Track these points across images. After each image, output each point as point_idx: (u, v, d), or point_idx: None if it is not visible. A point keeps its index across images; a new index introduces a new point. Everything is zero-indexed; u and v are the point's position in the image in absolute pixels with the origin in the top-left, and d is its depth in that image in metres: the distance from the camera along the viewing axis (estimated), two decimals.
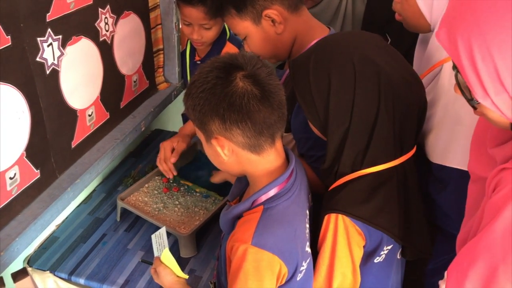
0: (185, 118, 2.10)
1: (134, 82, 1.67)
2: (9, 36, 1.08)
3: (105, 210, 1.58)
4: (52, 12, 1.20)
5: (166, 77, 1.88)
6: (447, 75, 1.11)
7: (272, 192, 0.98)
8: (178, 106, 2.06)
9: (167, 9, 1.75)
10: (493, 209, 0.73)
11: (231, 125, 0.92)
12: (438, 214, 1.12)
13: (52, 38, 1.22)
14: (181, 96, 1.99)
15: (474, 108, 0.76)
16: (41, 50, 1.19)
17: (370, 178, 1.02)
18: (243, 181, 1.12)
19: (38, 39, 1.18)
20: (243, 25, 1.31)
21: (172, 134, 1.97)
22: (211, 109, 0.92)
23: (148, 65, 1.75)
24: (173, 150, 1.55)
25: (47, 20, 1.20)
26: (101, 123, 1.50)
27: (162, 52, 1.83)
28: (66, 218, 1.54)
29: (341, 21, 1.81)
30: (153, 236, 1.20)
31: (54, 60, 1.24)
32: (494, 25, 0.65)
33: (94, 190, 1.67)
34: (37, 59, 1.18)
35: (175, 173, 1.54)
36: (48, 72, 1.23)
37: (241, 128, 0.92)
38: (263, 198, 0.98)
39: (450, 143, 1.06)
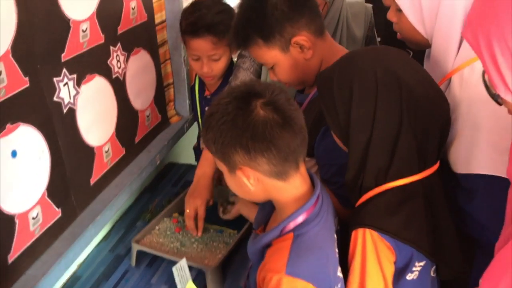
0: (196, 152, 2.11)
1: (147, 116, 1.69)
2: (27, 78, 1.10)
3: (126, 246, 1.56)
4: (66, 52, 1.23)
5: (177, 110, 1.90)
6: (457, 86, 1.12)
7: (301, 218, 0.97)
8: (189, 139, 2.07)
9: (175, 44, 1.79)
10: None
11: (255, 155, 0.91)
12: (473, 225, 1.10)
13: (67, 77, 1.24)
14: (192, 129, 2.01)
15: (499, 104, 0.77)
16: (57, 89, 1.21)
17: (395, 192, 1.01)
18: (267, 208, 1.11)
19: (55, 79, 1.20)
20: (271, 54, 1.29)
21: (186, 167, 1.98)
22: (234, 141, 0.91)
23: (160, 100, 1.77)
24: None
25: (62, 60, 1.22)
26: (117, 159, 1.51)
27: (172, 86, 1.85)
28: (87, 256, 1.53)
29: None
30: (174, 269, 1.18)
31: (70, 99, 1.26)
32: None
33: (112, 227, 1.66)
34: (54, 98, 1.20)
35: (199, 234, 1.51)
36: (65, 111, 1.25)
37: (266, 156, 0.91)
38: (292, 225, 0.96)
39: (472, 150, 1.06)
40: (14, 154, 1.08)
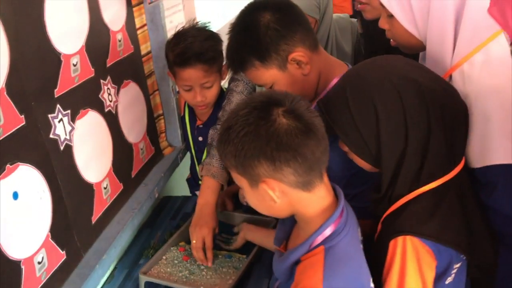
0: (190, 183, 2.06)
1: (141, 149, 1.64)
2: (23, 115, 1.06)
3: (132, 285, 1.49)
4: (59, 87, 1.19)
5: (169, 142, 1.87)
6: (459, 82, 1.11)
7: (329, 231, 0.93)
8: (180, 171, 2.02)
9: (162, 74, 1.76)
10: None
11: (281, 165, 0.88)
12: (497, 219, 1.08)
13: (61, 113, 1.20)
14: (185, 160, 1.97)
15: None
16: (53, 126, 1.17)
17: (429, 195, 0.99)
18: (287, 223, 1.08)
19: (49, 115, 1.16)
20: (269, 74, 1.28)
21: (182, 199, 1.93)
22: (257, 152, 0.88)
23: (152, 131, 1.74)
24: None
25: (55, 96, 1.18)
26: (116, 195, 1.46)
27: (162, 117, 1.82)
28: None
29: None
30: None
31: (66, 135, 1.22)
32: None
33: (115, 268, 1.59)
34: (51, 136, 1.16)
35: (210, 265, 1.46)
36: (62, 148, 1.20)
37: (291, 166, 0.88)
38: (321, 238, 0.93)
39: (485, 142, 1.05)
40: (15, 196, 1.03)
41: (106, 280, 1.54)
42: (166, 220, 1.80)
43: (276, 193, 0.91)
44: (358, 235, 1.01)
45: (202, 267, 1.46)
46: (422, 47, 1.20)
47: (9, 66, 1.02)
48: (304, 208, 0.95)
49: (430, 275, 0.97)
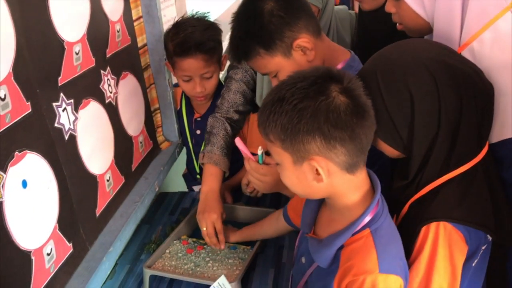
0: (187, 178, 2.04)
1: (141, 143, 1.62)
2: (29, 102, 1.03)
3: (135, 280, 1.46)
4: (62, 75, 1.16)
5: (165, 136, 1.84)
6: (470, 60, 1.12)
7: (371, 213, 0.93)
8: (174, 168, 1.99)
9: (158, 67, 1.74)
10: None
11: (335, 143, 0.85)
12: None
13: (65, 102, 1.17)
14: (182, 155, 1.94)
15: None
16: (57, 115, 1.14)
17: (459, 179, 0.98)
18: (313, 208, 1.05)
19: (54, 104, 1.13)
20: (274, 62, 1.27)
21: (179, 194, 1.91)
22: (314, 127, 0.85)
23: (150, 125, 1.71)
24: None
25: (59, 85, 1.15)
26: (118, 188, 1.43)
27: (158, 111, 1.79)
28: None
29: None
30: None
31: (70, 125, 1.19)
32: None
33: (116, 264, 1.55)
34: (55, 124, 1.13)
35: (223, 247, 1.46)
36: (66, 137, 1.17)
37: (345, 146, 0.86)
38: (366, 220, 0.92)
39: (502, 117, 1.05)
40: (24, 184, 0.99)
41: (108, 276, 1.51)
42: (165, 216, 1.78)
43: (324, 172, 0.89)
44: None
45: (207, 259, 1.44)
46: (429, 29, 1.21)
47: (15, 51, 0.99)
48: (345, 190, 0.93)
49: (460, 260, 0.96)
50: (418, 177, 1.00)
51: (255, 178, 1.33)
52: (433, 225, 0.95)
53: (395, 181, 1.05)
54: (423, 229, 0.96)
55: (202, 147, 1.73)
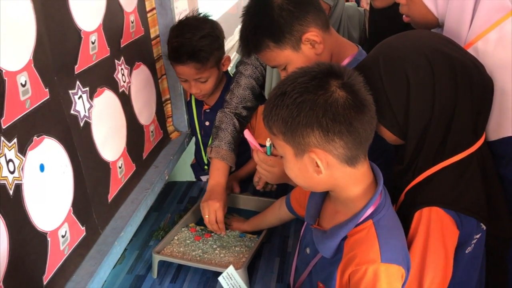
0: (195, 168, 2.07)
1: (152, 132, 1.65)
2: (47, 89, 1.06)
3: (144, 266, 1.50)
4: (79, 64, 1.20)
5: (175, 126, 1.87)
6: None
7: (373, 204, 0.95)
8: (184, 158, 2.03)
9: None
10: None
11: (333, 136, 0.88)
12: None
13: (81, 90, 1.21)
14: (191, 146, 1.98)
15: None
16: (73, 102, 1.17)
17: (453, 168, 1.01)
18: (317, 201, 1.08)
19: (70, 91, 1.16)
20: (284, 55, 1.29)
21: (187, 184, 1.94)
22: (312, 120, 0.88)
23: (161, 115, 1.75)
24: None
25: (75, 73, 1.19)
26: (129, 175, 1.46)
27: (169, 101, 1.83)
28: (105, 282, 1.45)
29: None
30: (221, 278, 1.14)
31: (85, 112, 1.22)
32: None
33: (125, 250, 1.59)
34: (72, 111, 1.16)
35: (224, 233, 1.52)
36: (82, 124, 1.20)
37: (344, 139, 0.89)
38: (369, 211, 0.95)
39: (502, 115, 1.07)
40: (42, 168, 1.03)
41: (118, 260, 1.54)
42: (173, 204, 1.81)
43: (323, 164, 0.91)
44: None
45: (214, 246, 1.48)
46: (436, 24, 1.23)
47: (36, 39, 1.02)
48: (345, 182, 0.96)
49: (452, 245, 0.99)
50: (414, 164, 1.03)
51: (263, 169, 1.37)
52: (425, 210, 0.99)
53: (394, 166, 1.08)
54: (416, 214, 1.00)
55: (210, 140, 1.76)
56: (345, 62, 1.35)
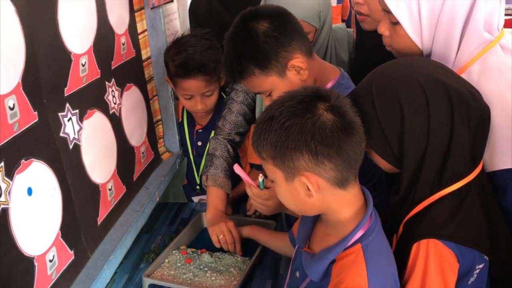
0: (186, 189, 2.06)
1: (142, 153, 1.65)
2: (36, 112, 1.06)
3: None
4: (69, 86, 1.19)
5: (166, 147, 1.87)
6: None
7: (363, 228, 0.94)
8: (174, 179, 2.01)
9: (161, 80, 1.78)
10: None
11: (323, 159, 0.88)
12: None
13: (70, 112, 1.20)
14: (181, 167, 1.97)
15: None
16: (63, 125, 1.16)
17: (451, 197, 0.99)
18: (309, 224, 1.07)
19: (59, 114, 1.16)
20: (269, 81, 1.28)
21: (178, 205, 1.93)
22: (301, 144, 0.88)
23: (152, 136, 1.74)
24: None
25: (65, 95, 1.18)
26: (120, 197, 1.45)
27: (161, 122, 1.82)
28: None
29: None
30: None
31: (75, 134, 1.21)
32: None
33: (116, 273, 1.57)
34: (61, 134, 1.16)
35: (240, 253, 1.52)
36: (71, 147, 1.20)
37: (333, 162, 0.88)
38: (356, 236, 0.94)
39: (492, 147, 1.06)
40: (29, 191, 1.02)
41: (108, 284, 1.52)
42: (164, 226, 1.80)
43: (314, 187, 0.91)
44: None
45: (205, 269, 1.46)
46: (420, 55, 1.22)
47: (25, 62, 1.02)
48: (336, 204, 0.95)
49: (452, 278, 0.96)
50: (411, 195, 1.01)
51: (258, 203, 1.37)
52: (423, 243, 0.96)
53: (390, 197, 1.06)
54: (414, 246, 0.97)
55: (203, 162, 1.75)
56: (329, 85, 1.36)
